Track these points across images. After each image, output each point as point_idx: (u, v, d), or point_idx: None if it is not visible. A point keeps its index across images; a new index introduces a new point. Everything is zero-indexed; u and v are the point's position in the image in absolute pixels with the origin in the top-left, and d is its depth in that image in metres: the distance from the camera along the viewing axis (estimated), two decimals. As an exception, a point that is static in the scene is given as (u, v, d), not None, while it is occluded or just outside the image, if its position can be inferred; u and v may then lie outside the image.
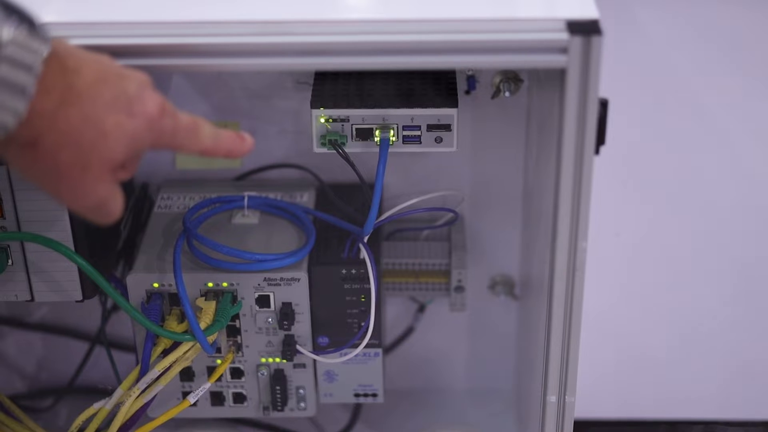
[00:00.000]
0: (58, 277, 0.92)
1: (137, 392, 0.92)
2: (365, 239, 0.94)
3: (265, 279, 0.94)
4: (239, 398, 1.02)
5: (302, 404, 1.02)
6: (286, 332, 0.97)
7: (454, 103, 0.88)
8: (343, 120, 0.88)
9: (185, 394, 0.99)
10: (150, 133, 0.67)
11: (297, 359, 0.99)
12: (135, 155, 0.68)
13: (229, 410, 1.03)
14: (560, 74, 0.76)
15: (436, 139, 0.89)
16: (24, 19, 0.62)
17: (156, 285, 0.94)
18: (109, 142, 0.65)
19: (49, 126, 0.63)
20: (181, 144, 0.70)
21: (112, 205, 0.67)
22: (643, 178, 1.16)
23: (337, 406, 1.15)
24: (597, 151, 0.78)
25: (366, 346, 0.97)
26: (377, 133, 0.89)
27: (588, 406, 1.26)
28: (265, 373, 1.00)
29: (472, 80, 0.99)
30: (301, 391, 1.01)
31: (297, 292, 0.95)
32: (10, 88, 0.61)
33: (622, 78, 1.07)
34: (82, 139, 0.64)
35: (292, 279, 0.95)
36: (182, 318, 0.93)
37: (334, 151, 0.89)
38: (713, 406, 1.28)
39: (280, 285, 0.95)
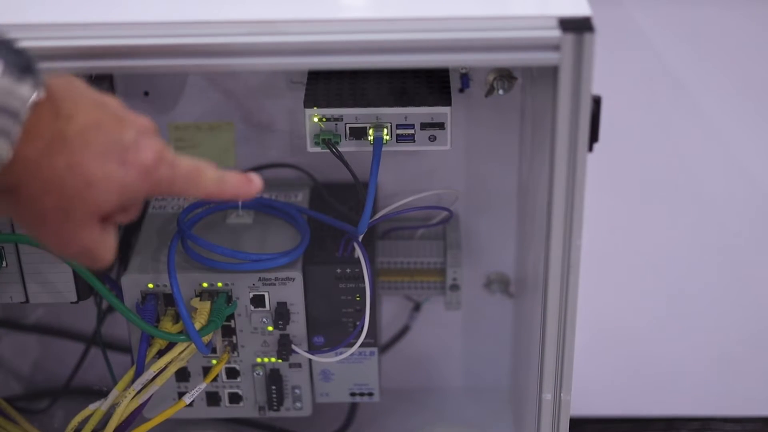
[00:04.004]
0: (53, 279, 0.92)
1: (133, 393, 0.91)
2: (360, 238, 0.94)
3: (259, 279, 0.94)
4: (235, 398, 1.02)
5: (298, 404, 1.02)
6: (282, 332, 0.97)
7: (447, 102, 0.88)
8: (336, 119, 0.88)
9: (181, 395, 0.99)
10: (145, 183, 0.65)
11: (292, 359, 0.99)
12: (132, 203, 0.66)
13: (225, 410, 1.02)
14: (553, 72, 0.76)
15: (429, 138, 0.89)
16: (16, 60, 0.60)
17: (151, 286, 0.94)
18: (94, 192, 0.63)
19: (33, 173, 0.61)
20: (180, 191, 0.68)
21: (99, 252, 0.65)
22: (638, 175, 1.16)
23: (333, 406, 1.14)
24: (590, 149, 0.78)
25: (361, 345, 0.97)
26: (371, 132, 0.89)
27: (584, 403, 1.26)
28: (261, 373, 1.00)
29: (465, 78, 0.99)
30: (297, 390, 1.01)
31: (292, 291, 0.95)
32: None
33: (617, 75, 1.08)
34: (65, 187, 0.62)
35: (287, 278, 0.95)
36: (177, 318, 0.93)
37: (328, 151, 0.89)
38: (710, 403, 1.28)
39: (274, 285, 0.95)
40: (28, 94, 0.60)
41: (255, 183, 0.71)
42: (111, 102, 0.66)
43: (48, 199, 0.62)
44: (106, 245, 0.66)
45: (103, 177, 0.63)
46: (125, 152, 0.64)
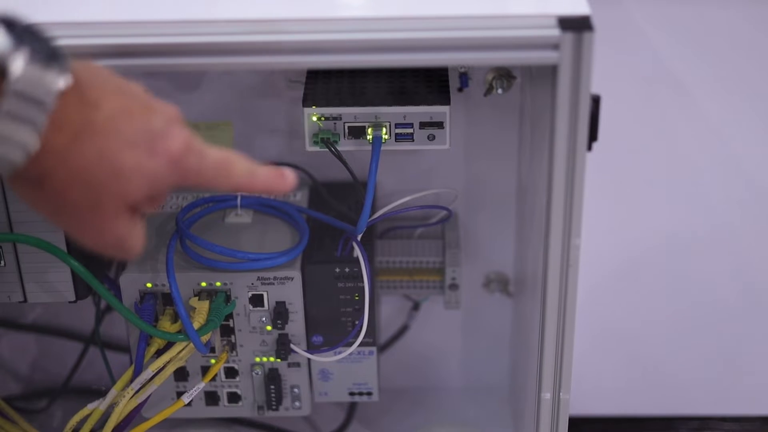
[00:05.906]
0: (51, 278, 0.92)
1: (131, 393, 0.91)
2: (359, 237, 0.94)
3: (258, 278, 0.94)
4: (234, 398, 1.02)
5: (297, 403, 1.02)
6: (280, 331, 0.97)
7: (446, 101, 0.88)
8: (335, 118, 0.88)
9: (179, 394, 0.99)
10: (173, 173, 0.63)
11: (291, 358, 0.99)
12: (159, 192, 0.64)
13: (224, 410, 1.02)
14: (552, 71, 0.76)
15: (428, 137, 0.89)
16: (41, 47, 0.58)
17: (149, 285, 0.94)
18: (123, 181, 0.61)
19: (60, 163, 0.60)
20: (209, 183, 0.66)
21: (130, 243, 0.64)
22: (636, 175, 1.16)
23: (331, 405, 1.14)
24: (589, 148, 0.78)
25: (360, 345, 0.97)
26: (370, 131, 0.89)
27: (583, 402, 1.26)
28: (260, 373, 1.00)
29: (464, 77, 0.99)
30: (296, 390, 1.01)
31: (291, 291, 0.95)
32: (19, 123, 0.57)
33: (616, 74, 1.07)
34: (93, 177, 0.60)
35: (286, 278, 0.95)
36: (176, 318, 0.93)
37: (327, 150, 0.89)
38: (708, 402, 1.28)
39: (273, 284, 0.95)
40: (54, 82, 0.59)
41: (288, 178, 0.69)
42: (135, 88, 0.64)
43: (76, 189, 0.61)
44: (136, 235, 0.64)
45: (132, 166, 0.61)
46: (154, 141, 0.62)
